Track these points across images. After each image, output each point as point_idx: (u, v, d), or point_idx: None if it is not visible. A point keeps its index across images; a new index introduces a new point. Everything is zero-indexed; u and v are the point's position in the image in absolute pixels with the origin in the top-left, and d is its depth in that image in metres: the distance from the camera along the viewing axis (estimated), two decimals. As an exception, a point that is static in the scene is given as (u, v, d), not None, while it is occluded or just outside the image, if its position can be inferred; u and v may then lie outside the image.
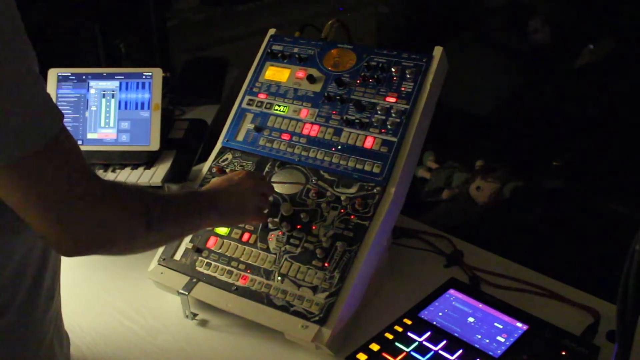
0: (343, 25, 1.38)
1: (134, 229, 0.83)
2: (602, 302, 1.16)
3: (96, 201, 0.77)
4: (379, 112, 1.20)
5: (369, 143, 1.18)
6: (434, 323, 1.08)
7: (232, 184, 1.07)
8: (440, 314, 1.10)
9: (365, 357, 1.00)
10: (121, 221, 0.81)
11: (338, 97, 1.24)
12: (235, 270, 1.14)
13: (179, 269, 1.17)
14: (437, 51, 1.21)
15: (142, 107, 1.40)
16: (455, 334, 1.05)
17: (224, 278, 1.14)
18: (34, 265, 0.85)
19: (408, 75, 1.21)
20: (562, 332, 1.05)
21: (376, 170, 1.15)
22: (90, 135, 1.39)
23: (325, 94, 1.25)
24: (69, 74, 1.42)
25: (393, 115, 1.18)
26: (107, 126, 1.40)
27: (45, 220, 0.74)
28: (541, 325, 1.06)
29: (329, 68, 1.28)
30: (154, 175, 1.33)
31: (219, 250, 1.17)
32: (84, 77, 1.42)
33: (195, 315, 1.17)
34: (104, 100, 1.41)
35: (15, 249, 0.82)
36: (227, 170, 1.25)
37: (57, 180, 0.73)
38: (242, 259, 1.14)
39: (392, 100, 1.20)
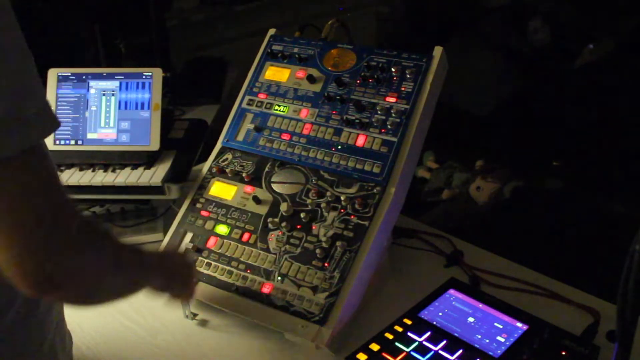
0: (343, 25, 1.38)
1: (104, 269, 0.77)
2: (602, 302, 1.16)
3: (68, 233, 0.70)
4: (379, 112, 1.20)
5: (369, 143, 1.18)
6: (434, 323, 1.08)
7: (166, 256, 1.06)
8: (440, 314, 1.10)
9: (365, 357, 1.00)
10: (91, 259, 0.74)
11: (338, 97, 1.24)
12: (235, 270, 1.14)
13: (179, 269, 1.17)
14: (437, 51, 1.21)
15: (142, 107, 1.40)
16: (455, 334, 1.05)
17: (224, 278, 1.14)
18: None
19: (408, 75, 1.21)
20: (562, 332, 1.05)
21: (376, 170, 1.15)
22: (90, 135, 1.39)
23: (325, 94, 1.25)
24: (69, 74, 1.42)
25: (393, 115, 1.18)
26: (107, 126, 1.40)
27: (6, 249, 0.66)
28: (541, 325, 1.06)
29: (329, 68, 1.28)
30: (154, 175, 1.33)
31: (219, 250, 1.17)
32: (84, 77, 1.42)
33: (195, 315, 1.17)
34: (104, 100, 1.41)
35: None
36: (227, 170, 1.25)
37: (29, 195, 0.66)
38: (242, 259, 1.14)
39: (392, 100, 1.20)
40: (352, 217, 1.12)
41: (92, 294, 0.80)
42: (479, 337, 1.04)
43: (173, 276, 1.00)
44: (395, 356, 1.00)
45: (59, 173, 1.33)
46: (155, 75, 1.41)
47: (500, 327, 1.07)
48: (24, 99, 0.67)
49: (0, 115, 0.63)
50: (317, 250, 1.10)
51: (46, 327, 0.89)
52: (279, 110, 1.28)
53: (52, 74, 1.42)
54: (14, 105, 0.65)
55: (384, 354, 1.01)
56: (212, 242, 1.18)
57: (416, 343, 1.03)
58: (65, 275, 0.70)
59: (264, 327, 1.08)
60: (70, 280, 0.71)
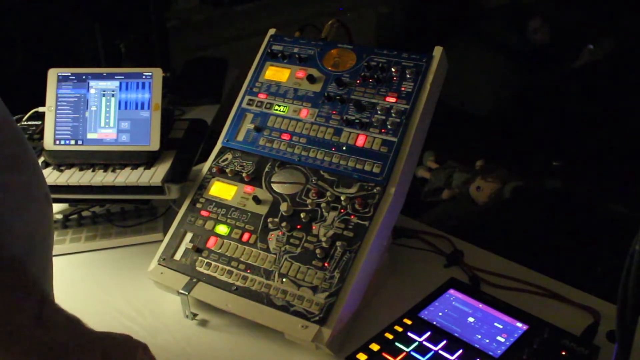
0: (343, 25, 1.38)
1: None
2: (602, 302, 1.16)
3: None
4: (379, 112, 1.20)
5: (369, 143, 1.18)
6: (434, 323, 1.08)
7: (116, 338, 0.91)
8: (440, 314, 1.10)
9: (365, 357, 1.00)
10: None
11: (338, 97, 1.24)
12: (235, 270, 1.14)
13: (179, 269, 1.17)
14: (437, 51, 1.21)
15: (142, 107, 1.40)
16: (455, 334, 1.05)
17: (224, 278, 1.14)
18: None
19: (408, 75, 1.21)
20: (562, 332, 1.05)
21: (376, 170, 1.15)
22: (90, 135, 1.39)
23: (325, 94, 1.25)
24: (69, 74, 1.42)
25: (393, 115, 1.18)
26: (107, 126, 1.40)
27: None
28: (541, 325, 1.06)
29: (329, 68, 1.28)
30: (154, 175, 1.33)
31: (219, 250, 1.17)
32: (84, 77, 1.42)
33: (195, 315, 1.17)
34: (104, 100, 1.41)
35: None
36: (227, 170, 1.25)
37: None
38: (242, 259, 1.15)
39: (392, 100, 1.20)
40: (352, 217, 1.12)
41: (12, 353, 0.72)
42: (479, 337, 1.04)
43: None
44: (395, 356, 1.01)
45: (58, 173, 1.34)
46: (155, 75, 1.41)
47: (500, 327, 1.07)
48: None
49: None
50: (317, 250, 1.10)
51: None
52: (279, 110, 1.28)
53: (52, 74, 1.42)
54: None
55: (384, 354, 1.01)
56: (212, 242, 1.18)
57: (416, 343, 1.03)
58: None
59: (264, 327, 1.08)
60: None
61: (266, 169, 1.23)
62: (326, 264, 1.09)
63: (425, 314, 1.10)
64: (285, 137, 1.25)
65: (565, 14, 2.31)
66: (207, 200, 1.24)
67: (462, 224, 2.02)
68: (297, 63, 1.31)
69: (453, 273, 1.26)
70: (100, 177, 1.34)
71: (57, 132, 1.40)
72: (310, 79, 1.28)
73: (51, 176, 1.34)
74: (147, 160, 1.36)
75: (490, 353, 1.01)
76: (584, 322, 1.09)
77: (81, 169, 1.36)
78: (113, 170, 1.36)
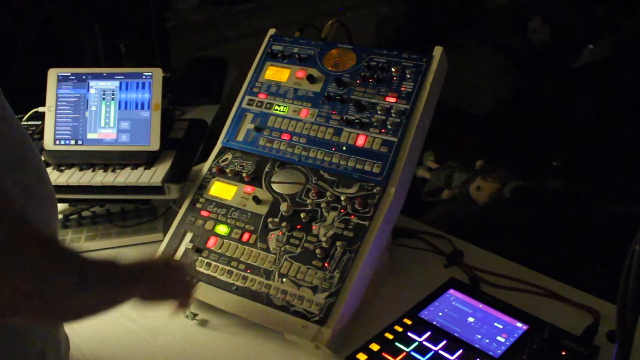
0: (343, 25, 1.38)
1: (64, 292, 0.72)
2: (602, 302, 1.16)
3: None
4: (379, 112, 1.20)
5: (369, 143, 1.18)
6: (434, 323, 1.08)
7: (155, 263, 0.99)
8: (440, 314, 1.10)
9: (365, 357, 1.00)
10: (51, 282, 0.70)
11: (338, 97, 1.24)
12: (235, 270, 1.14)
13: (179, 269, 1.17)
14: (437, 51, 1.21)
15: (142, 107, 1.40)
16: (455, 334, 1.05)
17: (224, 278, 1.14)
18: None
19: (408, 75, 1.21)
20: (562, 332, 1.05)
21: (376, 170, 1.15)
22: (90, 135, 1.39)
23: (325, 94, 1.25)
24: (69, 74, 1.42)
25: (393, 115, 1.18)
26: (107, 126, 1.40)
27: None
28: (541, 325, 1.06)
29: (329, 68, 1.28)
30: (154, 175, 1.33)
31: (219, 250, 1.17)
32: (84, 77, 1.42)
33: (195, 315, 1.17)
34: (104, 100, 1.41)
35: None
36: (227, 170, 1.25)
37: None
38: (242, 259, 1.15)
39: (392, 100, 1.20)
40: (352, 217, 1.12)
41: (57, 315, 0.76)
42: (479, 337, 1.04)
43: (158, 286, 0.93)
44: (395, 356, 1.01)
45: (58, 173, 1.34)
46: (155, 75, 1.41)
47: (500, 327, 1.07)
48: None
49: None
50: (317, 250, 1.10)
51: (33, 337, 0.86)
52: (279, 110, 1.28)
53: (52, 74, 1.42)
54: None
55: (384, 354, 1.01)
56: (212, 242, 1.18)
57: (416, 343, 1.03)
58: (22, 299, 0.67)
59: (264, 327, 1.08)
60: (29, 304, 0.68)
61: (266, 169, 1.23)
62: (326, 264, 1.09)
63: (425, 314, 1.10)
64: (285, 137, 1.25)
65: (565, 14, 2.31)
66: (207, 200, 1.24)
67: (462, 224, 2.02)
68: (297, 63, 1.31)
69: (453, 273, 1.26)
70: (100, 177, 1.34)
71: (57, 132, 1.40)
72: (310, 79, 1.28)
73: (51, 176, 1.34)
74: (147, 160, 1.36)
75: (490, 353, 1.01)
76: (584, 322, 1.09)
77: (81, 169, 1.36)
78: (113, 170, 1.36)
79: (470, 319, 1.09)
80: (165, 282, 0.94)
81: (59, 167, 1.37)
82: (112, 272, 0.83)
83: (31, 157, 0.85)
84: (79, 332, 1.14)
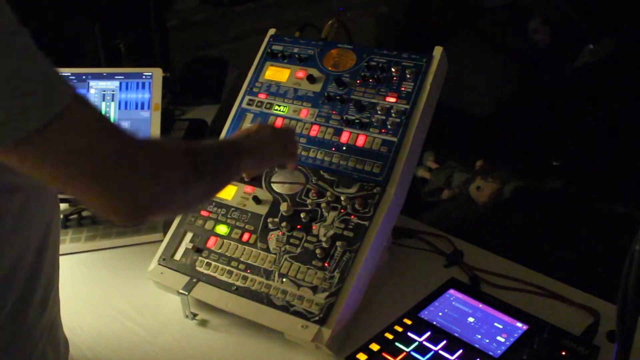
0: (343, 25, 1.38)
1: (184, 179, 0.79)
2: (602, 302, 1.16)
3: (136, 162, 0.73)
4: (379, 112, 1.20)
5: (369, 143, 1.18)
6: (434, 323, 1.08)
7: (256, 130, 1.08)
8: (440, 314, 1.10)
9: (365, 357, 1.00)
10: (167, 175, 0.77)
11: (338, 97, 1.24)
12: (235, 270, 1.14)
13: (179, 269, 1.17)
14: (437, 51, 1.21)
15: (142, 107, 1.40)
16: (455, 334, 1.05)
17: (224, 278, 1.14)
18: (24, 274, 0.81)
19: (408, 75, 1.21)
20: (562, 332, 1.05)
21: (376, 170, 1.15)
22: (90, 135, 1.39)
23: (325, 94, 1.25)
24: (69, 74, 1.42)
25: (393, 115, 1.18)
26: (107, 126, 1.40)
27: (90, 194, 0.70)
28: (541, 325, 1.06)
29: (329, 68, 1.28)
30: (154, 175, 1.32)
31: (219, 250, 1.17)
32: (84, 77, 1.42)
33: (195, 315, 1.17)
34: (104, 100, 1.41)
35: (3, 254, 0.78)
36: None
37: (83, 150, 0.68)
38: (242, 259, 1.14)
39: (392, 100, 1.20)
40: (352, 217, 1.12)
41: (184, 205, 0.85)
42: (479, 337, 1.04)
43: (264, 151, 1.04)
44: (395, 356, 1.01)
45: None
46: (155, 75, 1.41)
47: (500, 327, 1.07)
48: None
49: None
50: (317, 250, 1.10)
51: (33, 339, 0.85)
52: (279, 110, 1.28)
53: (52, 74, 1.42)
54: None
55: (384, 354, 1.01)
56: (212, 242, 1.18)
57: (416, 343, 1.03)
58: (149, 200, 0.74)
59: (264, 327, 1.08)
60: (156, 202, 0.75)
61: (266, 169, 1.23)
62: (326, 264, 1.09)
63: (425, 314, 1.10)
64: (285, 137, 1.25)
65: (565, 14, 2.31)
66: (207, 200, 1.24)
67: (462, 224, 2.02)
68: (297, 63, 1.31)
69: (453, 273, 1.26)
70: (100, 177, 1.33)
71: (57, 132, 1.39)
72: (310, 79, 1.28)
73: (51, 176, 1.34)
74: (147, 160, 1.36)
75: (490, 353, 1.01)
76: (584, 322, 1.09)
77: (81, 169, 1.36)
78: (113, 170, 1.36)
79: (470, 319, 1.09)
80: (275, 146, 1.06)
81: (59, 167, 1.37)
82: (220, 152, 0.92)
83: None
84: (79, 331, 1.14)
